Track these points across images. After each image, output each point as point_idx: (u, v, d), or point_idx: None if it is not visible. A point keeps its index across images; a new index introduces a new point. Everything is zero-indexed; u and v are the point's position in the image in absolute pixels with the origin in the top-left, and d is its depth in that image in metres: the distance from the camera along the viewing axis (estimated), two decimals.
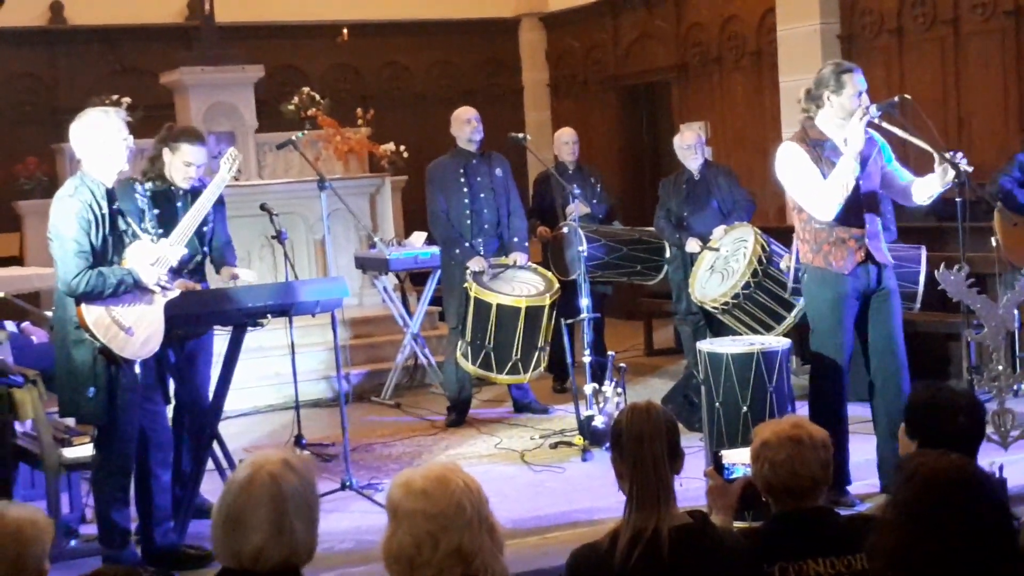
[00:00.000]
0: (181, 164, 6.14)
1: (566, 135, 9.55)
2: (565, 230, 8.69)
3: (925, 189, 5.96)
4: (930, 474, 2.74)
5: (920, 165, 6.37)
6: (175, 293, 5.48)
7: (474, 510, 2.80)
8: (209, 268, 6.55)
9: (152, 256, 5.37)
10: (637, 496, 3.35)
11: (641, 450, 3.36)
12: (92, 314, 5.23)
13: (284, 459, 2.89)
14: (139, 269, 5.30)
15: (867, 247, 5.90)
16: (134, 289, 5.30)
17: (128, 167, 5.43)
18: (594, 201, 9.13)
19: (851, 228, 5.87)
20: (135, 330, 5.31)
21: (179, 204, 6.15)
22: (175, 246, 5.51)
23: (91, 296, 5.19)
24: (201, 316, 5.88)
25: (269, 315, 6.52)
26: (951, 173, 5.74)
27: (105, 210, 5.25)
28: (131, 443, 5.42)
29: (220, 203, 6.50)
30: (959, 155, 5.80)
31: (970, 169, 5.80)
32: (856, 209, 5.85)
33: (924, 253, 6.89)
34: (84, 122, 5.32)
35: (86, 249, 5.18)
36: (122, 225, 5.38)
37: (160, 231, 5.68)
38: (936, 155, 5.80)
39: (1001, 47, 9.65)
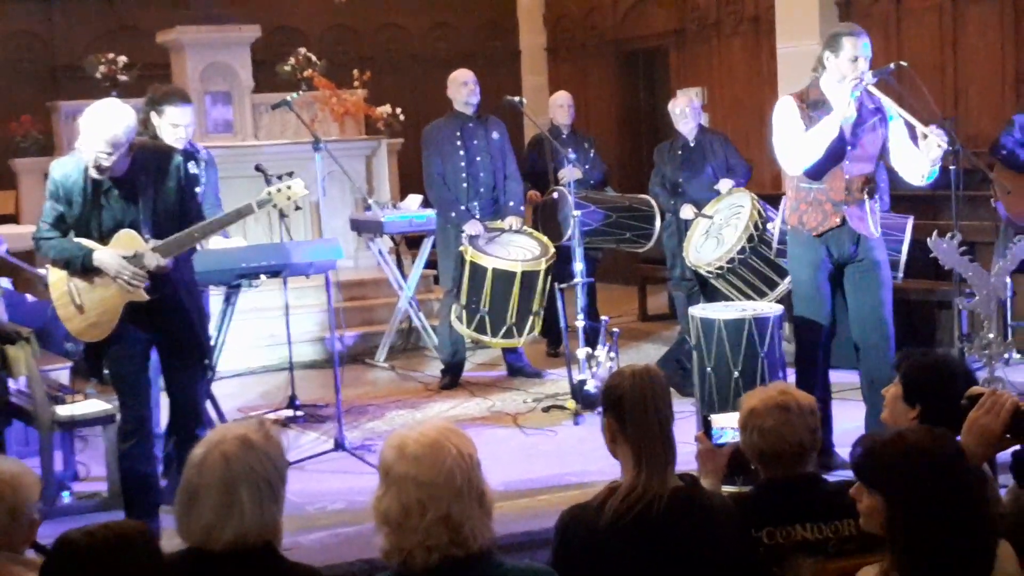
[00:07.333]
0: (168, 126, 6.06)
1: (561, 98, 9.53)
2: (555, 195, 8.68)
3: (918, 165, 5.86)
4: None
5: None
6: (140, 296, 5.04)
7: (464, 478, 2.81)
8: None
9: (131, 250, 5.02)
10: (647, 460, 3.33)
11: (647, 414, 3.35)
12: (54, 274, 5.19)
13: (242, 436, 2.88)
14: (103, 254, 4.99)
15: (844, 214, 5.84)
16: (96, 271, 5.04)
17: (98, 173, 4.98)
18: (587, 167, 9.11)
19: (831, 193, 5.82)
20: (85, 309, 5.14)
21: None
22: (155, 255, 5.00)
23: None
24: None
25: (263, 276, 6.53)
26: (935, 147, 5.66)
27: (84, 195, 5.04)
28: (134, 400, 5.25)
29: (212, 166, 6.47)
30: (945, 129, 5.73)
31: (949, 148, 5.73)
32: (839, 175, 5.80)
33: (911, 223, 6.87)
34: (90, 108, 5.01)
35: (49, 220, 5.09)
36: (117, 211, 5.08)
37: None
38: (920, 129, 5.72)
39: (1000, 15, 9.62)
